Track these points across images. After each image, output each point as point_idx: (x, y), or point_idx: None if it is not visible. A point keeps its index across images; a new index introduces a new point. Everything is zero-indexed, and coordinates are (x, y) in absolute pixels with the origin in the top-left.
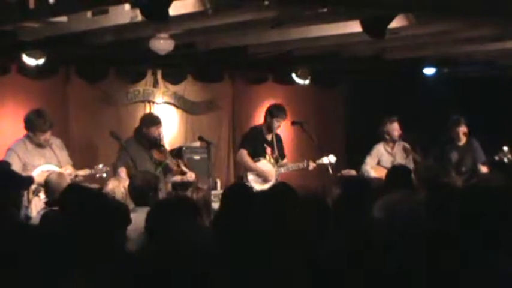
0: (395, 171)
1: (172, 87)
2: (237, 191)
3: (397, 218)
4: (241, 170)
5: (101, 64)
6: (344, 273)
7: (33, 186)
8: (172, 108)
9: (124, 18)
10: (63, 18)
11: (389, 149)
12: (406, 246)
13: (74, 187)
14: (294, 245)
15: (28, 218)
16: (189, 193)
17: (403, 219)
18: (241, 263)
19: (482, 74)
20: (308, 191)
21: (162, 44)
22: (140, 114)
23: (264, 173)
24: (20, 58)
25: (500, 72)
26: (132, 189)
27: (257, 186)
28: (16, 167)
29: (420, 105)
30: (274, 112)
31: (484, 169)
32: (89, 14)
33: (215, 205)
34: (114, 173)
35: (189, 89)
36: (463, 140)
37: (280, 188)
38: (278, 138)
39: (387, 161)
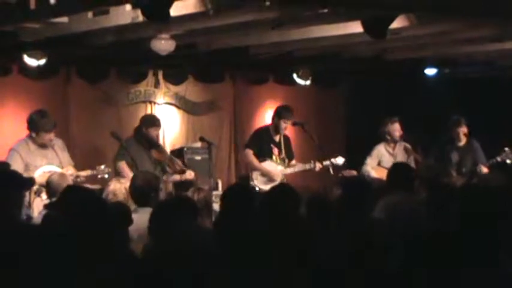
0: (397, 169)
1: (173, 88)
2: (238, 191)
3: (398, 219)
4: (246, 170)
5: (102, 64)
6: (345, 274)
7: (35, 187)
8: (174, 109)
9: (125, 18)
10: (64, 19)
11: (390, 150)
12: (406, 246)
13: (73, 188)
14: (294, 245)
15: (30, 218)
16: (190, 193)
17: (404, 220)
18: (242, 263)
19: (482, 75)
20: (309, 192)
21: (163, 45)
22: (141, 114)
23: (269, 173)
24: (21, 59)
25: (500, 73)
26: (133, 190)
27: (262, 185)
28: (18, 167)
29: (421, 106)
30: (281, 113)
31: (485, 170)
32: (89, 14)
33: (216, 206)
34: (114, 168)
35: (190, 89)
36: (463, 140)
37: (281, 189)
38: (286, 139)
39: (388, 162)
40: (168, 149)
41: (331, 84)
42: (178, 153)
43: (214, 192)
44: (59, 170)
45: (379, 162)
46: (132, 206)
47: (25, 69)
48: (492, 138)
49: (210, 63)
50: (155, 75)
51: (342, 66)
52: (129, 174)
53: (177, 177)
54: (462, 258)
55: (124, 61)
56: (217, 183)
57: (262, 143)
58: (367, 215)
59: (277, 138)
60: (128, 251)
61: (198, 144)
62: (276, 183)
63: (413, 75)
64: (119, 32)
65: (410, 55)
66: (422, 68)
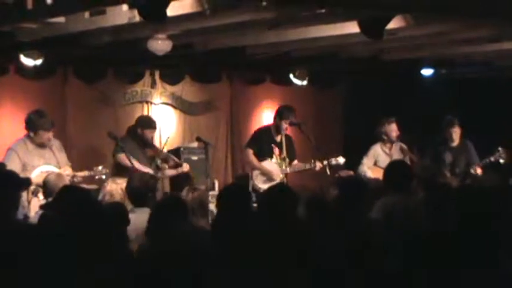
0: (394, 167)
1: (170, 88)
2: (234, 191)
3: (396, 219)
4: (243, 170)
5: (99, 65)
6: (343, 274)
7: (32, 187)
8: (170, 109)
9: (122, 18)
10: (61, 19)
11: (386, 150)
12: (405, 246)
13: (69, 188)
14: (292, 245)
15: (26, 218)
16: (184, 193)
17: (401, 220)
18: (240, 263)
19: (479, 75)
20: (307, 191)
21: (160, 45)
22: (138, 114)
23: (268, 172)
24: (17, 59)
25: (497, 73)
26: (130, 191)
27: (261, 185)
28: (16, 166)
29: (418, 106)
30: (283, 113)
31: (478, 170)
32: (86, 14)
33: (213, 206)
34: (113, 165)
35: (186, 89)
36: (456, 141)
37: (279, 189)
38: (288, 139)
39: (384, 162)
40: (164, 149)
41: (328, 84)
42: (175, 153)
43: (211, 193)
44: (56, 170)
45: (375, 162)
46: (129, 207)
47: (22, 69)
48: (489, 138)
49: (206, 64)
50: (152, 75)
51: (338, 67)
52: (132, 163)
53: (173, 171)
54: (461, 258)
55: (121, 61)
56: (213, 184)
57: (263, 142)
58: (364, 215)
59: (278, 138)
60: (127, 251)
61: (195, 144)
62: (275, 182)
63: (410, 75)
64: (116, 32)
65: (407, 55)
66: (419, 69)
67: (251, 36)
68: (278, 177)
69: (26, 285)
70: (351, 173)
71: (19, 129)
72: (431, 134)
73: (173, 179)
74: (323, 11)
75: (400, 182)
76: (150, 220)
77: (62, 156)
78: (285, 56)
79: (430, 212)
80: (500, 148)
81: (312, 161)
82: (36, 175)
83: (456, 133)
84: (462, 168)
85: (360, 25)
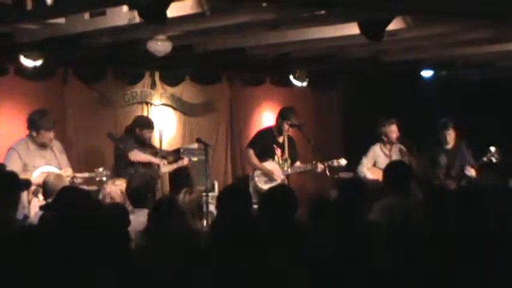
0: (393, 168)
1: (169, 89)
2: (234, 192)
3: (395, 221)
4: (243, 171)
5: (99, 66)
6: (343, 274)
7: (32, 187)
8: (170, 110)
9: (122, 19)
10: (61, 20)
11: (386, 151)
12: (405, 247)
13: (69, 189)
14: (292, 245)
15: (26, 218)
16: (181, 195)
17: (401, 222)
18: (239, 263)
19: (480, 77)
20: (307, 192)
21: (160, 46)
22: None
23: (269, 172)
24: (17, 59)
25: (497, 75)
26: (129, 191)
27: (262, 185)
28: (16, 166)
29: (418, 108)
30: (284, 114)
31: (471, 171)
32: (86, 15)
33: (212, 207)
34: (114, 169)
35: (186, 90)
36: (451, 143)
37: (280, 190)
38: (290, 140)
39: (383, 163)
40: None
41: (327, 86)
42: (174, 154)
43: (211, 194)
44: (57, 171)
45: (374, 163)
46: (129, 208)
47: (22, 70)
48: (489, 140)
49: (206, 65)
50: (152, 76)
51: (338, 68)
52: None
53: (174, 165)
54: (461, 258)
55: (121, 62)
56: (213, 185)
57: (265, 143)
58: (364, 216)
59: (280, 139)
60: (129, 252)
61: (195, 146)
62: (276, 183)
63: (410, 77)
64: (116, 33)
65: (407, 57)
66: (419, 70)
67: (251, 38)
68: (279, 177)
69: (26, 285)
70: (351, 174)
71: (18, 130)
72: (431, 135)
73: (173, 180)
74: (323, 12)
75: (400, 183)
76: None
77: (63, 158)
78: (284, 57)
79: (429, 214)
80: (491, 148)
81: (314, 162)
82: (37, 175)
83: (450, 136)
84: (457, 170)
85: (360, 26)
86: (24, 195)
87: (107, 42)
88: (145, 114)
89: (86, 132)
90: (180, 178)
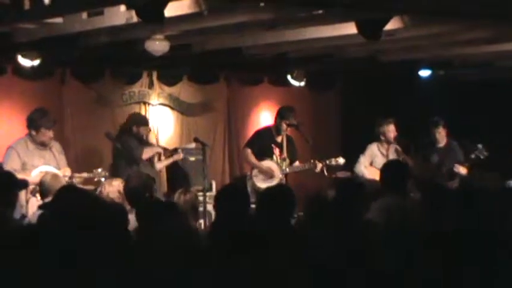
0: (390, 167)
1: (167, 89)
2: (231, 192)
3: (394, 220)
4: (240, 171)
5: (97, 65)
6: (343, 274)
7: (31, 187)
8: (168, 110)
9: (119, 19)
10: (59, 19)
11: (383, 151)
12: (404, 247)
13: (68, 188)
14: (292, 245)
15: (24, 217)
16: (176, 195)
17: (399, 221)
18: (239, 263)
19: (478, 76)
20: (306, 191)
21: (158, 45)
22: None
23: (267, 169)
24: (15, 59)
25: (496, 75)
26: (127, 191)
27: (261, 184)
28: (15, 165)
29: (415, 108)
30: (283, 114)
31: (461, 169)
32: (84, 15)
33: (210, 206)
34: (112, 169)
35: (184, 90)
36: (442, 142)
37: (278, 189)
38: (290, 139)
39: (380, 163)
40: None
41: (325, 85)
42: (172, 154)
43: (208, 193)
44: (56, 171)
45: (371, 162)
46: (127, 207)
47: (19, 69)
48: (486, 139)
49: (204, 64)
50: (149, 76)
51: (336, 68)
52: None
53: (169, 160)
54: (460, 258)
55: (118, 62)
56: (211, 184)
57: (263, 143)
58: (362, 216)
59: (279, 138)
60: (129, 251)
61: (192, 145)
62: (275, 181)
63: (408, 77)
64: (114, 33)
65: (405, 57)
66: (417, 70)
67: (249, 37)
68: (277, 175)
69: (27, 285)
70: (348, 174)
71: (16, 130)
72: (428, 135)
73: (170, 180)
74: (320, 12)
75: (397, 182)
76: (138, 219)
77: (62, 159)
78: (282, 57)
79: (428, 213)
80: (479, 145)
81: (312, 161)
82: (36, 174)
83: (441, 134)
84: (448, 168)
85: (358, 26)
86: (22, 195)
87: (105, 41)
88: (143, 114)
89: (83, 132)
90: (177, 178)
